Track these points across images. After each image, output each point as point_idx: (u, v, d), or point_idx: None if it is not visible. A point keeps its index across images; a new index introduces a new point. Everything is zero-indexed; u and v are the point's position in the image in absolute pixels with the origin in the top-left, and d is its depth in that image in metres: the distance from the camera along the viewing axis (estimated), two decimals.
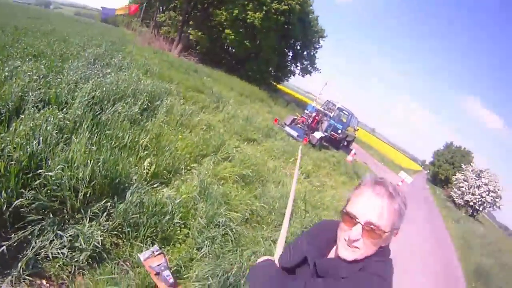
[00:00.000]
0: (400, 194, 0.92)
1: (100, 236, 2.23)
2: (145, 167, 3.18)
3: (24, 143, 2.49)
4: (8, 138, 2.53)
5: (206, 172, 3.85)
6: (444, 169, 34.25)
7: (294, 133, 10.19)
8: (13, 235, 1.97)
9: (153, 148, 3.72)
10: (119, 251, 2.37)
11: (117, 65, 7.04)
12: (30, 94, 3.62)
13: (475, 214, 24.99)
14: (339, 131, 14.25)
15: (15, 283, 1.79)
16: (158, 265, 2.18)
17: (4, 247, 1.85)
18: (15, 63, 4.76)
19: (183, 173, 3.71)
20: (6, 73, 4.03)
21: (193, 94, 7.69)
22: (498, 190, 24.22)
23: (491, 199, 24.18)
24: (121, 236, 2.46)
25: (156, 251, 2.29)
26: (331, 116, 13.25)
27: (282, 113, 13.87)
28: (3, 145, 2.41)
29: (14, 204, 2.03)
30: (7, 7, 20.11)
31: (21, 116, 3.07)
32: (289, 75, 27.83)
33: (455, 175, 27.76)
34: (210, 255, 2.64)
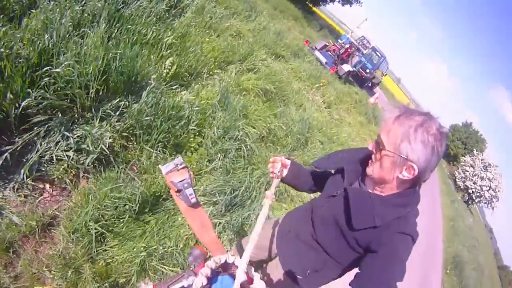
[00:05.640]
0: (416, 123, 0.89)
1: (110, 138, 2.09)
2: (166, 66, 2.94)
3: (35, 39, 2.18)
4: (18, 35, 2.18)
5: (229, 80, 3.62)
6: (456, 145, 33.58)
7: (323, 59, 9.81)
8: (17, 139, 1.82)
9: (177, 47, 3.41)
10: (128, 154, 2.26)
11: None
12: None
13: (469, 202, 25.07)
14: (368, 70, 13.65)
15: (17, 189, 1.71)
16: (181, 181, 1.99)
17: (7, 152, 1.72)
18: None
19: (204, 78, 3.48)
20: None
21: None
22: (498, 191, 23.99)
23: (488, 196, 24.11)
24: (131, 138, 2.33)
25: (180, 164, 2.11)
26: (364, 53, 12.64)
27: (314, 36, 12.91)
28: (12, 43, 2.07)
29: (22, 105, 1.82)
30: None
31: (33, 10, 2.81)
32: (328, 0, 25.92)
33: (465, 156, 27.35)
34: (221, 169, 2.55)
